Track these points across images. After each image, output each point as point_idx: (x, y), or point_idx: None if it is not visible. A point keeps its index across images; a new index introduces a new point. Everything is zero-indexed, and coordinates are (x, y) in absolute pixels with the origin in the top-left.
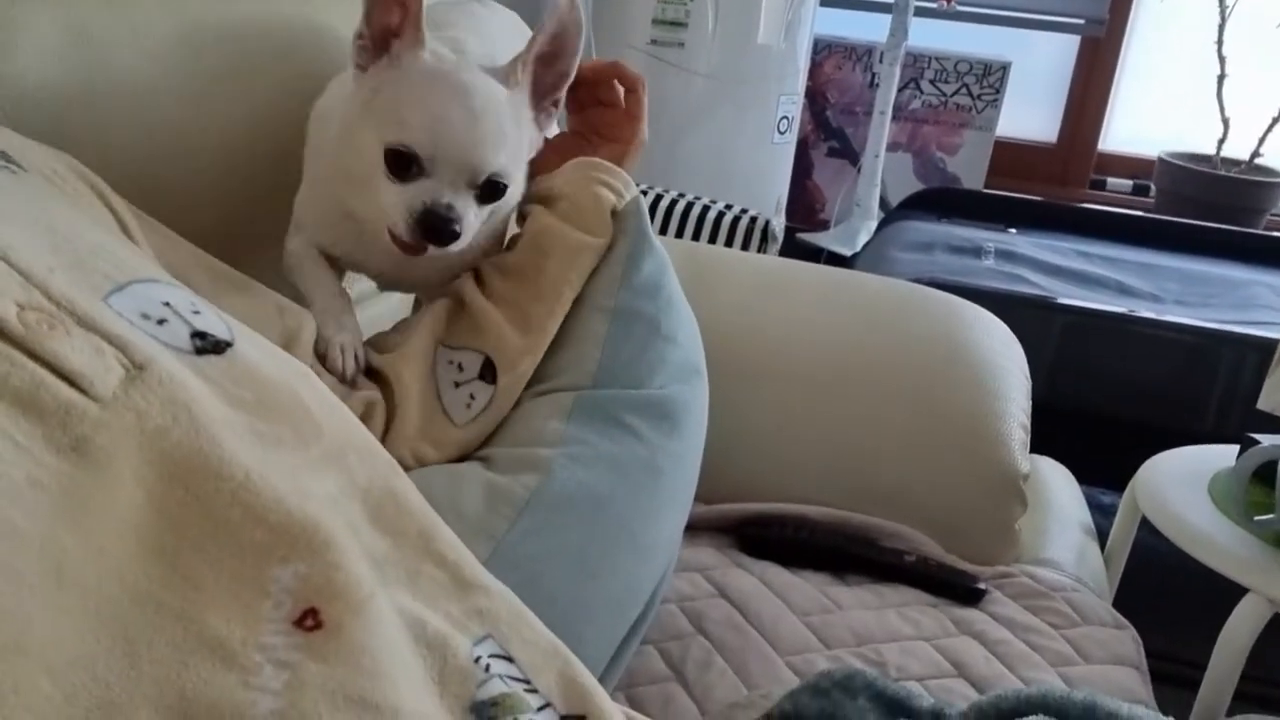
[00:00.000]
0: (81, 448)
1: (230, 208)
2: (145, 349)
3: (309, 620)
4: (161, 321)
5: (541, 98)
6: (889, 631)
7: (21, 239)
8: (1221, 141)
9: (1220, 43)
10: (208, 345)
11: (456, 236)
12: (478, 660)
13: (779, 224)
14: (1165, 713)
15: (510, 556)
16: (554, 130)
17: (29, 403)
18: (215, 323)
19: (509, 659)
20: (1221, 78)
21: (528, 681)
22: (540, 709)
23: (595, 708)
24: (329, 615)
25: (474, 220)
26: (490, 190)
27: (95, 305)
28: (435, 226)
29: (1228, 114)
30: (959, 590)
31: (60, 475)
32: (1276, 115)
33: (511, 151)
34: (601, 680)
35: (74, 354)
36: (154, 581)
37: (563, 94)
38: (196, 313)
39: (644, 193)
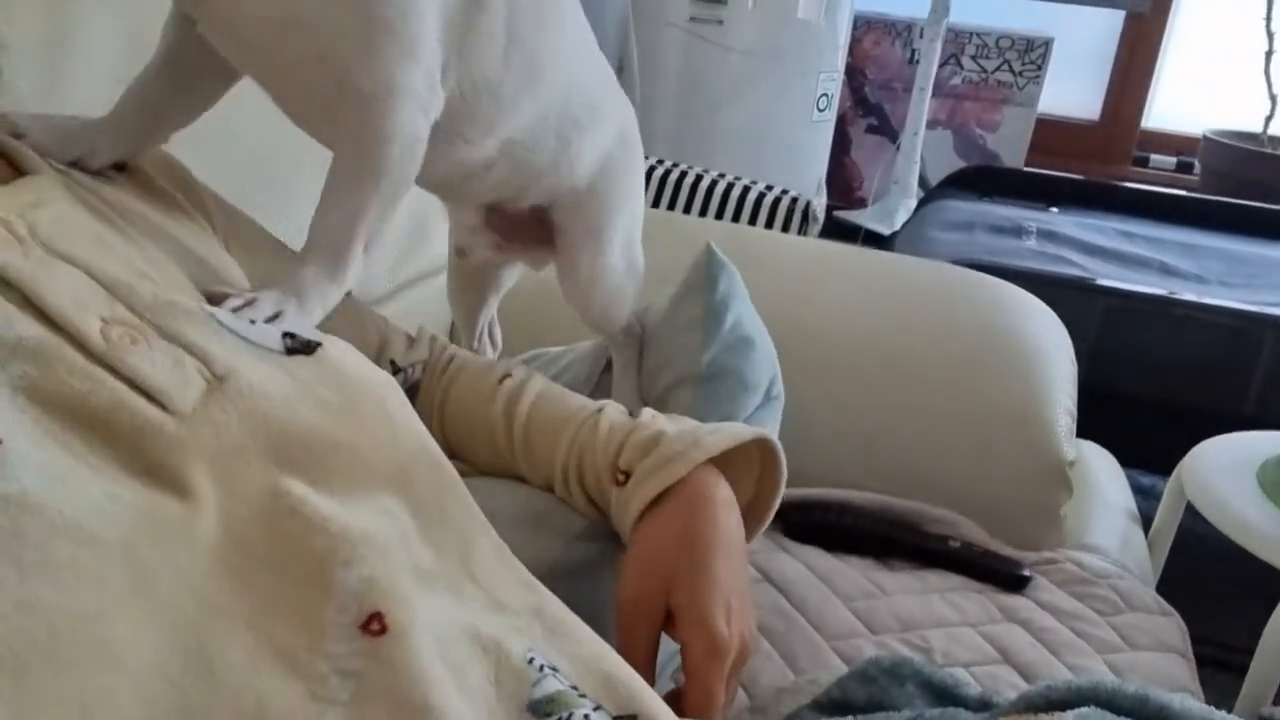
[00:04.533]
0: (155, 470)
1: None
2: (228, 359)
3: (375, 624)
4: (253, 320)
5: None
6: (934, 617)
7: (105, 252)
8: (1269, 119)
9: (1269, 18)
10: (298, 345)
11: None
12: (531, 660)
13: (819, 205)
14: (1210, 697)
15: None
16: None
17: (106, 424)
18: (303, 326)
19: (553, 668)
20: (1269, 54)
21: (575, 687)
22: (594, 710)
23: (645, 707)
24: (395, 619)
25: None
26: None
27: (182, 313)
28: None
29: (1275, 91)
30: (1004, 576)
31: (135, 493)
32: None
33: None
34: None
35: (154, 369)
36: (223, 593)
37: None
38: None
39: (683, 173)
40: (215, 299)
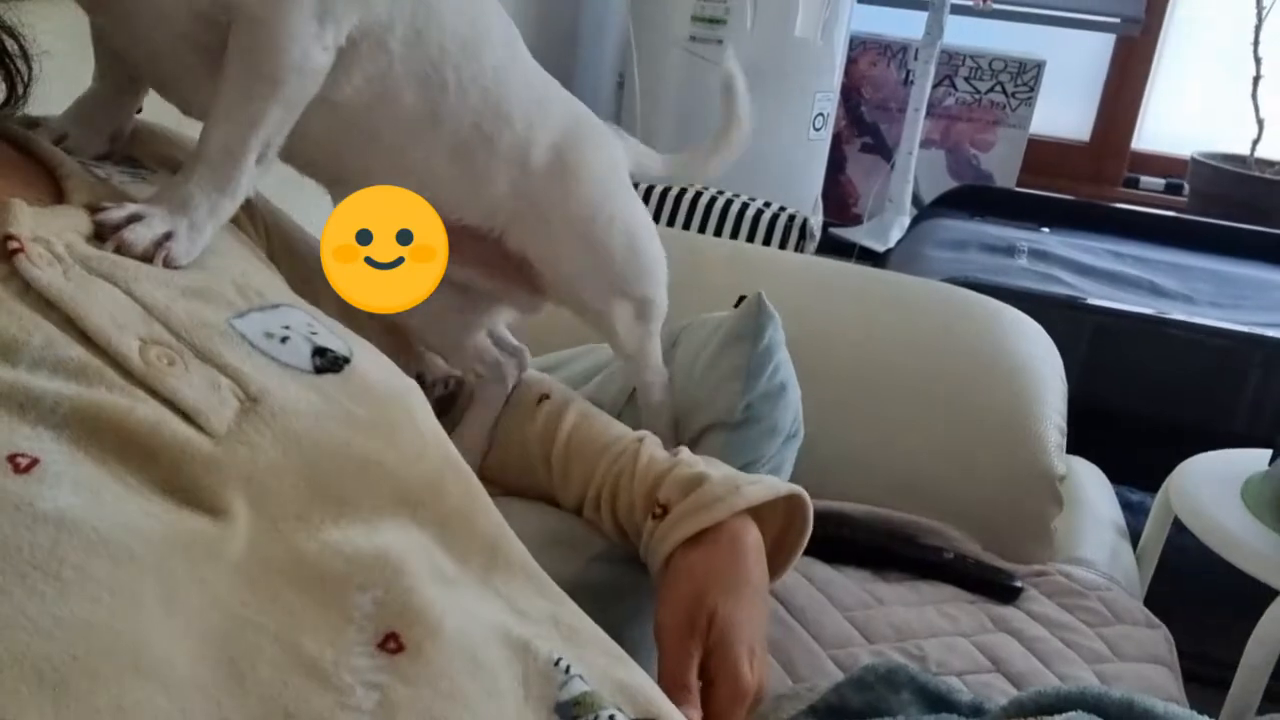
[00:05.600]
0: (190, 490)
1: None
2: (260, 379)
3: (391, 643)
4: (284, 340)
5: None
6: (929, 627)
7: (140, 266)
8: (1256, 142)
9: (1256, 44)
10: (327, 363)
11: None
12: (557, 663)
13: (816, 222)
14: (1194, 709)
15: None
16: None
17: (144, 444)
18: (333, 339)
19: (577, 672)
20: (1256, 78)
21: (594, 691)
22: (617, 711)
23: (662, 712)
24: (409, 638)
25: None
26: None
27: (216, 333)
28: None
29: (1262, 115)
30: (996, 588)
31: (169, 511)
32: None
33: None
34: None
35: (191, 390)
36: (249, 607)
37: None
38: (314, 333)
39: (682, 189)
40: (99, 213)
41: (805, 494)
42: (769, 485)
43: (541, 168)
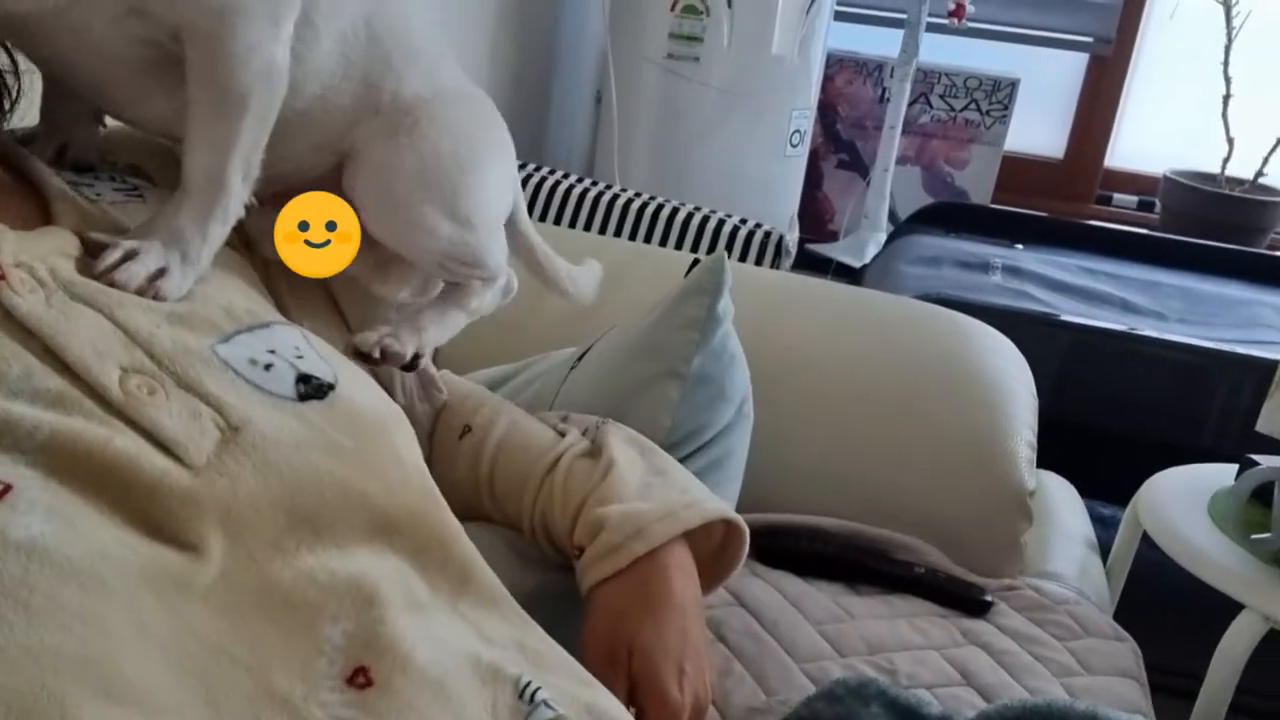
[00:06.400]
0: (164, 523)
1: None
2: (242, 408)
3: (360, 678)
4: (268, 367)
5: None
6: (900, 641)
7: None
8: (1226, 160)
9: (1226, 63)
10: (311, 390)
11: None
12: (522, 694)
13: (792, 238)
14: None
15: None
16: None
17: (120, 476)
18: (319, 364)
19: (545, 700)
20: (1227, 97)
21: (563, 716)
22: None
23: None
24: (378, 672)
25: None
26: None
27: (199, 360)
28: None
29: (1233, 133)
30: (967, 602)
31: (142, 542)
32: None
33: None
34: None
35: (170, 420)
36: (224, 636)
37: None
38: (300, 357)
39: (660, 206)
40: (94, 249)
41: (731, 514)
42: (681, 519)
43: (423, 92)
